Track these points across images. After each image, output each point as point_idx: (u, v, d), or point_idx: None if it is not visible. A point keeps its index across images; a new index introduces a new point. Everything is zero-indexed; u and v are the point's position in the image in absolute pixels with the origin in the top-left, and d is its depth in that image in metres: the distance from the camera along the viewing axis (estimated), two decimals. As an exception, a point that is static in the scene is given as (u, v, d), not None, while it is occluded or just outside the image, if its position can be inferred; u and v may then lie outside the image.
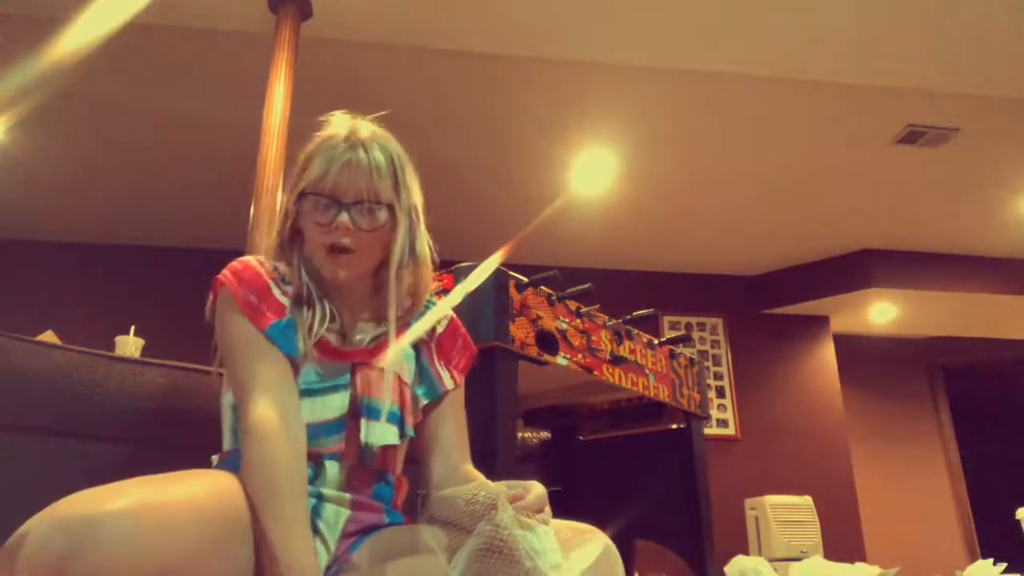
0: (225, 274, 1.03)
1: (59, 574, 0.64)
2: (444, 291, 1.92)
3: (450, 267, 1.95)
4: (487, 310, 1.84)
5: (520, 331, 1.89)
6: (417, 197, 1.09)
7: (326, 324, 1.04)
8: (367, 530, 0.99)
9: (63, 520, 0.67)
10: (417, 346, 1.13)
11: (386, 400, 1.03)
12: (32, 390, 1.17)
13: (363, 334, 1.08)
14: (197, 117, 3.47)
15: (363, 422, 1.01)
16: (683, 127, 3.73)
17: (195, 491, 0.81)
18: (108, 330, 2.42)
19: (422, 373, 1.12)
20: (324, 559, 0.93)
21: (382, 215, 1.02)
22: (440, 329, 1.16)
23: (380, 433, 1.02)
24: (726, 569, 1.96)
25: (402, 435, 1.06)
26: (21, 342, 1.19)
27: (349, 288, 1.07)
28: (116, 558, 0.66)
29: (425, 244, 1.10)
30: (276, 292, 1.04)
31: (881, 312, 5.18)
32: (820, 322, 5.20)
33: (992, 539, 4.95)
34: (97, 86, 3.15)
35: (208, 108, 3.40)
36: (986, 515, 5.28)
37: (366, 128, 1.05)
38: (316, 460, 0.98)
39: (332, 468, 0.98)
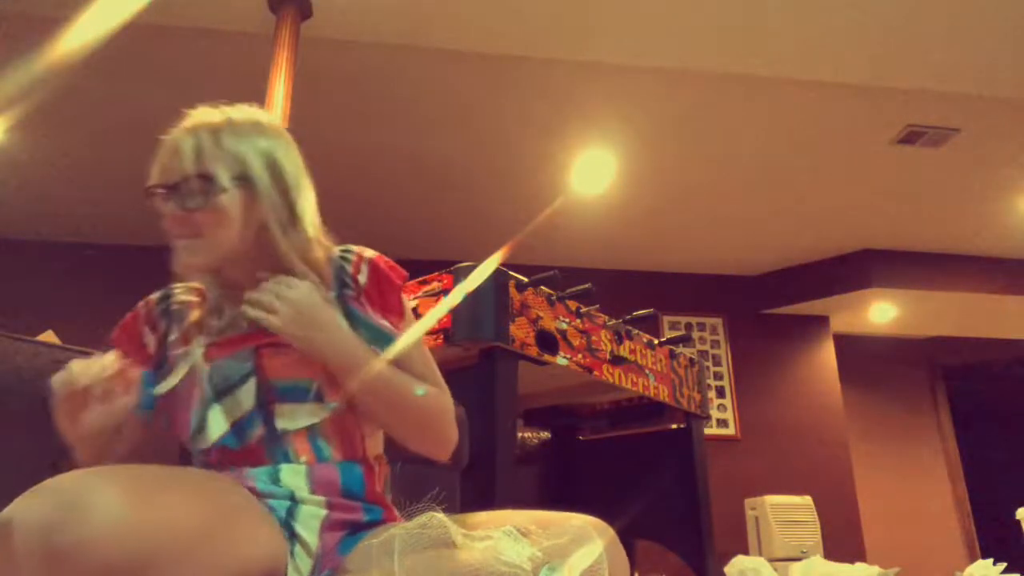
0: (116, 331, 1.08)
1: (45, 547, 0.64)
2: (444, 291, 1.92)
3: (450, 267, 1.95)
4: (487, 310, 1.84)
5: (520, 331, 1.89)
6: (257, 161, 0.99)
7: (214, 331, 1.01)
8: (350, 526, 0.96)
9: (51, 492, 0.66)
10: (346, 304, 1.03)
11: (302, 377, 0.95)
12: (32, 390, 1.17)
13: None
14: (197, 117, 3.46)
15: (276, 407, 0.94)
16: (683, 127, 3.73)
17: (188, 479, 0.80)
18: (108, 330, 2.42)
19: (367, 329, 1.02)
20: (306, 561, 0.90)
21: (216, 189, 0.95)
22: (364, 280, 1.04)
23: (290, 416, 0.94)
24: (726, 569, 1.96)
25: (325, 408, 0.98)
26: (21, 342, 1.19)
27: (232, 277, 1.03)
28: (102, 532, 0.65)
29: (302, 210, 1.02)
30: (149, 336, 1.09)
31: (881, 312, 5.18)
32: (820, 322, 5.20)
33: (992, 539, 4.96)
34: (97, 86, 3.15)
35: (208, 108, 3.40)
36: (986, 515, 5.28)
37: (199, 112, 1.00)
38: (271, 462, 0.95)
39: (288, 471, 0.94)
